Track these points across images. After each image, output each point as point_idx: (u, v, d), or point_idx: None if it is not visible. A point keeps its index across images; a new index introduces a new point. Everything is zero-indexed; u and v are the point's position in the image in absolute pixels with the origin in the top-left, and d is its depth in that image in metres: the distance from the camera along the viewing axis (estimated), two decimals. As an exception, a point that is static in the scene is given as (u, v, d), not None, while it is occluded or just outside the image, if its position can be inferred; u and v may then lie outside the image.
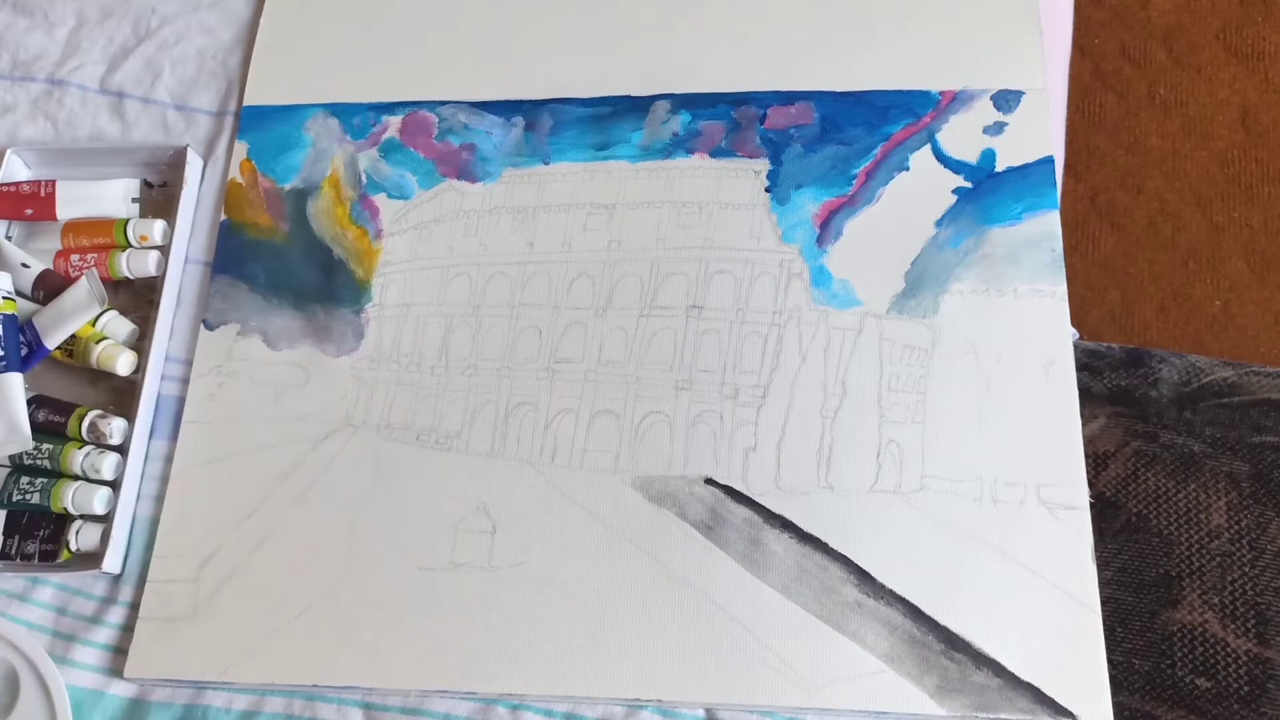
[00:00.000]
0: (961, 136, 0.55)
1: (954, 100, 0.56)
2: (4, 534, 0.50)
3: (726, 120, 0.57)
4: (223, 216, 0.58)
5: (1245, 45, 1.23)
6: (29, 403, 0.51)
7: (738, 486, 0.49)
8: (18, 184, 0.57)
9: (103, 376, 0.54)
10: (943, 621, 0.46)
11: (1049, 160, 0.54)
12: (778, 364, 0.51)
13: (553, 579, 0.49)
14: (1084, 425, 0.49)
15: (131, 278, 0.56)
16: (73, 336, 0.53)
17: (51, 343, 0.52)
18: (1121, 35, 1.24)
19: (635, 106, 0.58)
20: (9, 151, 0.58)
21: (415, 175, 0.58)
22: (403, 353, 0.54)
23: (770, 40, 0.59)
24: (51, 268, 0.55)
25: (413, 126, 0.59)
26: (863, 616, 0.46)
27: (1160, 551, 0.56)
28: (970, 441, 0.49)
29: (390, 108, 0.60)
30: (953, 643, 0.46)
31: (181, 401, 0.54)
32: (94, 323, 0.54)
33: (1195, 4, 1.25)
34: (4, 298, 0.52)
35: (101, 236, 0.56)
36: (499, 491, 0.50)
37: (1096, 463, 0.58)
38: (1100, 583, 0.46)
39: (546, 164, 0.57)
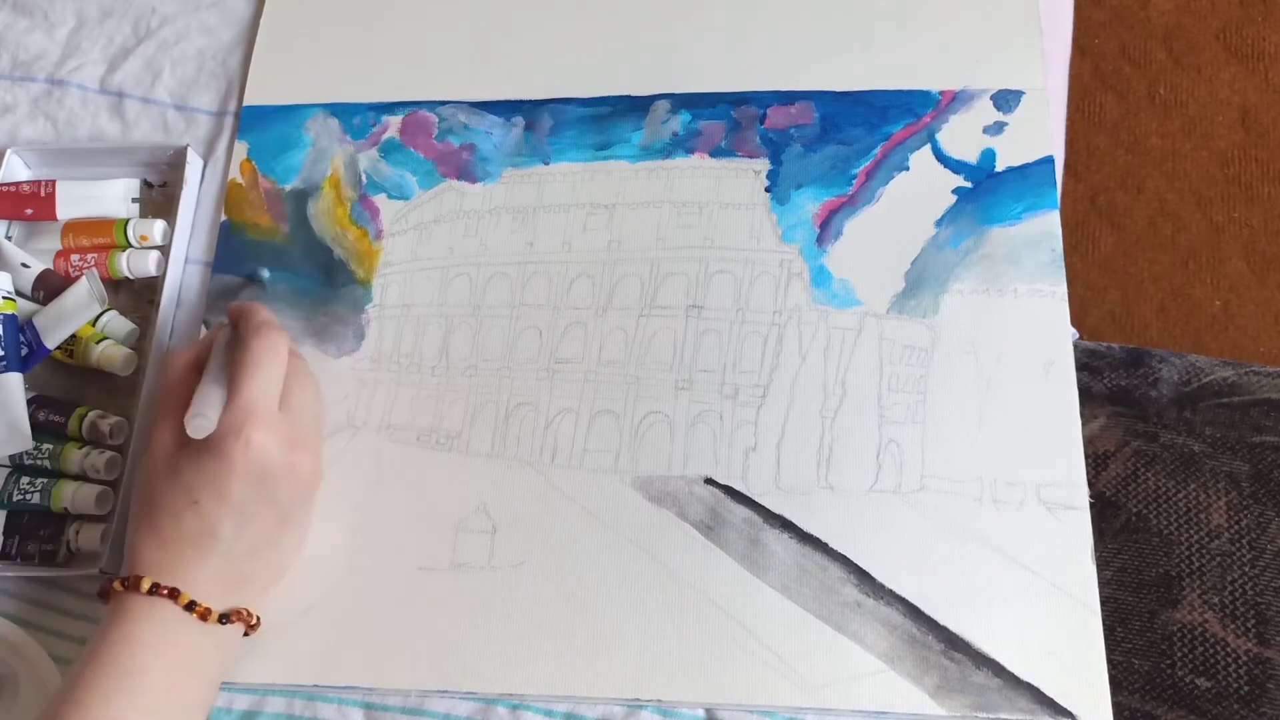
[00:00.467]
0: (961, 136, 0.55)
1: (954, 100, 0.56)
2: (4, 534, 0.50)
3: (726, 120, 0.57)
4: (223, 217, 0.58)
5: (1245, 45, 1.23)
6: (29, 403, 0.51)
7: (738, 486, 0.49)
8: (18, 184, 0.57)
9: (103, 376, 0.54)
10: (943, 621, 0.46)
11: (1049, 160, 0.54)
12: (778, 364, 0.52)
13: (553, 579, 0.49)
14: (1084, 425, 0.49)
15: (131, 278, 0.56)
16: (73, 336, 0.53)
17: (51, 343, 0.52)
18: (1121, 35, 1.24)
19: (635, 106, 0.58)
20: (9, 151, 0.59)
21: (415, 175, 0.58)
22: (403, 353, 0.54)
23: (770, 40, 0.59)
24: (51, 268, 0.55)
25: (413, 127, 0.59)
26: (863, 616, 0.46)
27: (1160, 551, 0.56)
28: (970, 441, 0.49)
29: (390, 108, 0.60)
30: (953, 643, 0.46)
31: (181, 401, 0.54)
32: (94, 323, 0.54)
33: (1195, 4, 1.25)
34: (4, 298, 0.52)
35: (101, 236, 0.56)
36: (499, 491, 0.50)
37: (1096, 463, 0.58)
38: (1100, 583, 0.46)
39: (546, 164, 0.57)
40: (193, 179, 0.58)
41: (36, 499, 0.50)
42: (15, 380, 0.50)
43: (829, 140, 0.56)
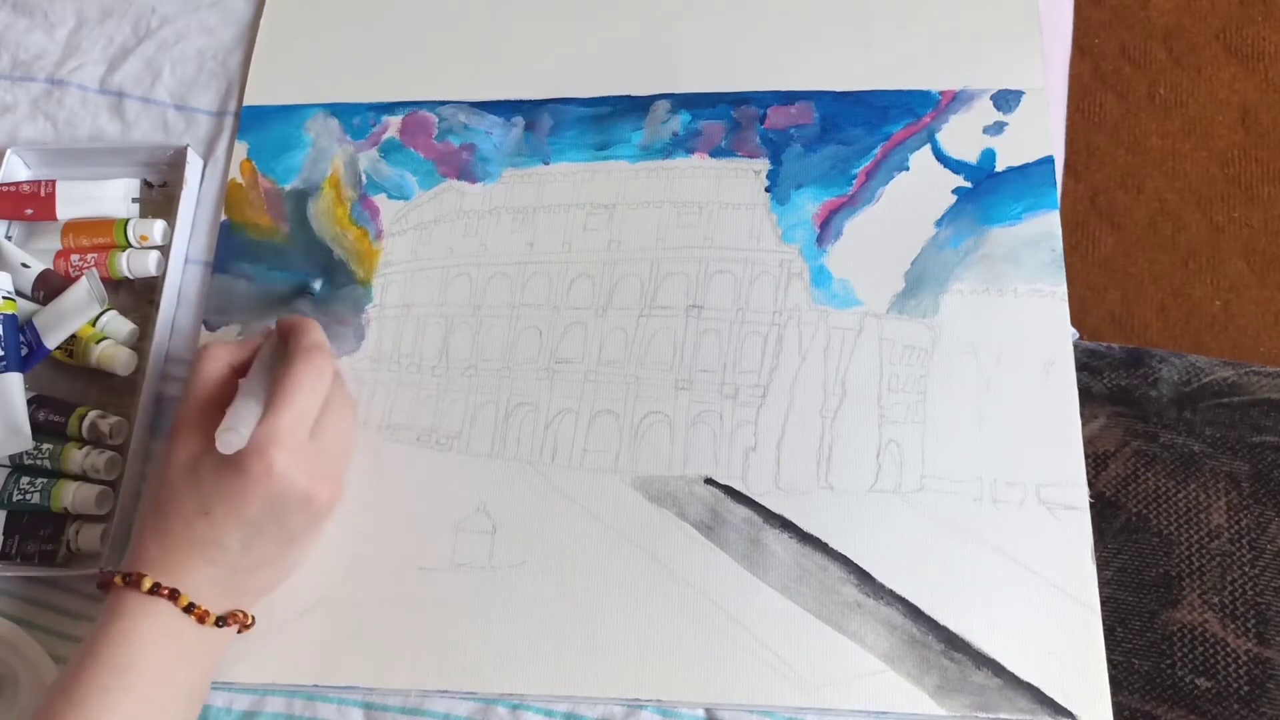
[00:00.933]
0: (961, 136, 0.55)
1: (954, 100, 0.56)
2: (4, 534, 0.50)
3: (726, 120, 0.57)
4: (223, 217, 0.58)
5: (1245, 45, 1.23)
6: (29, 403, 0.51)
7: (737, 486, 0.49)
8: (18, 184, 0.57)
9: (103, 376, 0.54)
10: (942, 621, 0.46)
11: (1049, 160, 0.54)
12: (778, 364, 0.52)
13: (553, 579, 0.49)
14: (1084, 425, 0.49)
15: (131, 278, 0.56)
16: (73, 336, 0.53)
17: (51, 343, 0.52)
18: (1121, 35, 1.24)
19: (635, 106, 0.58)
20: (9, 151, 0.59)
21: (415, 175, 0.58)
22: (403, 353, 0.54)
23: (770, 40, 0.59)
24: (51, 268, 0.55)
25: (413, 127, 0.59)
26: (862, 616, 0.46)
27: (1160, 551, 0.56)
28: (970, 441, 0.49)
29: (390, 108, 0.60)
30: (952, 642, 0.46)
31: (181, 401, 0.54)
32: (94, 323, 0.54)
33: (1195, 4, 1.25)
34: (4, 298, 0.52)
35: (101, 236, 0.56)
36: (499, 491, 0.50)
37: (1096, 463, 0.58)
38: (1100, 583, 0.46)
39: (546, 164, 0.57)
40: (193, 179, 0.58)
41: (36, 499, 0.50)
42: (15, 380, 0.50)
43: (829, 140, 0.56)
